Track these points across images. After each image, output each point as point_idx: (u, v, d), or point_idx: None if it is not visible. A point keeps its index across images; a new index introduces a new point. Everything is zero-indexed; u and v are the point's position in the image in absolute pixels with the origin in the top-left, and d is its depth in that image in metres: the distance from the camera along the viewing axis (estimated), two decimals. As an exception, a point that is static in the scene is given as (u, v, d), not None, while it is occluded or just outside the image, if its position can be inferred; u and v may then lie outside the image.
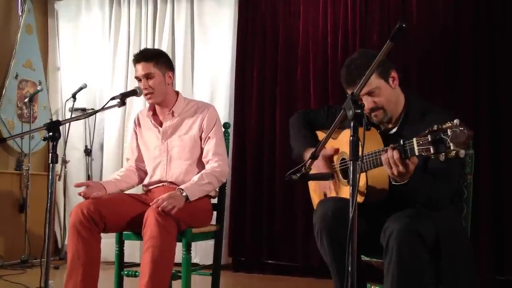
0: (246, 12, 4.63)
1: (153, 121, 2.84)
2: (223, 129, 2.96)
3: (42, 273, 2.22)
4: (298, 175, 2.13)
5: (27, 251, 4.55)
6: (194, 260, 4.43)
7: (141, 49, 2.90)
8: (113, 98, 2.57)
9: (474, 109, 3.79)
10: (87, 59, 5.17)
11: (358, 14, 4.19)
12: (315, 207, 2.20)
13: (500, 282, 3.68)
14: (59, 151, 4.21)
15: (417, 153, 1.69)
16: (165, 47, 4.80)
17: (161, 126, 2.82)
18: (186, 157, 2.77)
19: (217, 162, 2.71)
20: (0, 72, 4.78)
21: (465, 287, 1.95)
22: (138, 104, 4.77)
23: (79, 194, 2.61)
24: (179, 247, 2.56)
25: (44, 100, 5.07)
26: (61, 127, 2.27)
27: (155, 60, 2.74)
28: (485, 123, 3.75)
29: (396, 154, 1.77)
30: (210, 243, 3.33)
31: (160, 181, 2.80)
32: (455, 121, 1.57)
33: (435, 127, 1.60)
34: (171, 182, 2.77)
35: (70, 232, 2.49)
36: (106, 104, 2.55)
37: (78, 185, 2.67)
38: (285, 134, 3.99)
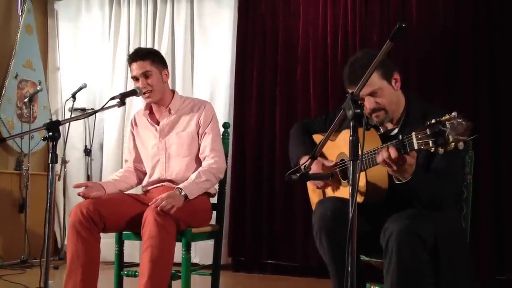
0: (246, 12, 4.63)
1: (150, 120, 2.84)
2: (223, 129, 2.96)
3: (41, 273, 2.22)
4: (298, 175, 2.14)
5: (27, 251, 4.55)
6: (194, 260, 4.43)
7: (135, 48, 2.89)
8: (112, 98, 2.57)
9: (475, 110, 3.79)
10: (87, 59, 5.17)
11: (358, 14, 4.19)
12: (314, 207, 2.19)
13: (501, 281, 3.68)
14: (59, 151, 4.20)
15: (416, 147, 1.68)
16: (165, 48, 4.81)
17: (158, 125, 2.82)
18: (185, 154, 2.77)
19: (214, 158, 2.71)
20: (0, 72, 4.78)
21: (464, 287, 1.95)
22: (137, 104, 4.77)
23: (79, 195, 2.61)
24: (178, 247, 2.56)
25: (44, 100, 5.07)
26: (60, 127, 2.27)
27: (151, 58, 2.74)
28: (485, 123, 3.75)
29: (392, 151, 1.77)
30: (210, 243, 3.33)
31: (159, 180, 2.80)
32: (453, 113, 1.57)
33: (434, 121, 1.60)
34: (170, 180, 2.76)
35: (69, 232, 2.49)
36: (105, 104, 2.55)
37: (77, 186, 2.67)
38: (285, 135, 3.99)
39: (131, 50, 4.97)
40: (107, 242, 2.98)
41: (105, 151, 4.98)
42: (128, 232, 2.70)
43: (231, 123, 4.32)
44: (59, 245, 5.01)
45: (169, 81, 2.92)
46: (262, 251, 4.36)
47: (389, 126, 2.19)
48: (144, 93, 2.71)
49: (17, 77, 4.85)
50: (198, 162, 2.77)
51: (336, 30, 4.27)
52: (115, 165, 4.85)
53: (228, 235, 4.40)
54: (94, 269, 2.49)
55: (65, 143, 4.84)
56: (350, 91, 1.99)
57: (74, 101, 4.73)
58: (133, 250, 4.48)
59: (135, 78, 2.74)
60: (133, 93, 2.69)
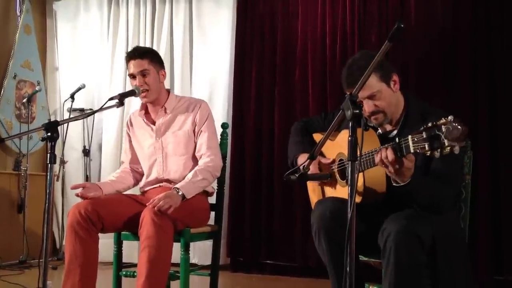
0: (244, 12, 4.63)
1: (145, 120, 2.84)
2: (222, 130, 2.96)
3: (40, 274, 2.23)
4: (297, 175, 2.14)
5: (25, 252, 4.55)
6: (193, 260, 4.43)
7: (134, 47, 2.90)
8: (111, 99, 2.56)
9: (473, 110, 3.79)
10: (85, 60, 5.17)
11: (357, 15, 4.19)
12: (313, 207, 2.20)
13: (499, 282, 3.69)
14: (58, 151, 4.17)
15: (412, 151, 1.69)
16: (163, 48, 4.80)
17: (154, 124, 2.82)
18: (182, 152, 2.77)
19: (210, 156, 2.71)
20: (-2, 73, 4.79)
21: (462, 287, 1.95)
22: (136, 105, 4.75)
23: (77, 195, 2.61)
24: (177, 247, 2.56)
25: (43, 101, 5.06)
26: (59, 128, 2.26)
27: (149, 57, 2.75)
28: (483, 123, 3.75)
29: (390, 153, 1.77)
30: (209, 243, 3.33)
31: (157, 180, 2.80)
32: (449, 117, 1.58)
33: (430, 124, 1.61)
34: (168, 180, 2.76)
35: (67, 232, 2.49)
36: (104, 104, 2.54)
37: (75, 187, 2.66)
38: (284, 135, 4.00)
39: (125, 53, 4.97)
40: (105, 243, 2.98)
41: (104, 152, 4.98)
42: (127, 233, 2.70)
43: (230, 123, 4.32)
44: (58, 246, 5.01)
45: (168, 81, 2.93)
46: (261, 251, 4.36)
47: (388, 127, 2.19)
48: (141, 92, 2.71)
49: (15, 77, 4.84)
50: (195, 160, 2.77)
51: (335, 31, 4.27)
52: (114, 166, 4.84)
53: (227, 235, 4.40)
54: (92, 269, 2.49)
55: (63, 143, 4.84)
56: (348, 93, 1.99)
57: (72, 101, 4.73)
58: (131, 251, 4.47)
59: (132, 76, 2.74)
60: (131, 93, 2.69)
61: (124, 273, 2.74)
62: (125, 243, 2.81)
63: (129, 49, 4.90)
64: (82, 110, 4.88)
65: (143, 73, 2.71)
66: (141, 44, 4.92)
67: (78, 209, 2.48)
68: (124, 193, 2.86)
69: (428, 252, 1.89)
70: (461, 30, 3.91)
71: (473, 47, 3.86)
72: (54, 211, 5.06)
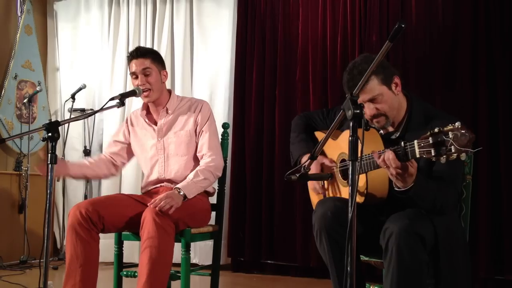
0: (245, 13, 4.63)
1: (147, 120, 2.84)
2: (222, 130, 2.96)
3: (41, 274, 2.23)
4: (297, 175, 2.14)
5: (26, 252, 4.55)
6: (193, 260, 4.43)
7: (136, 46, 2.90)
8: (112, 99, 2.57)
9: (473, 110, 3.79)
10: (86, 60, 5.17)
11: (357, 15, 4.19)
12: (314, 207, 2.20)
13: (500, 282, 3.69)
14: (58, 151, 4.20)
15: (418, 155, 1.68)
16: (164, 48, 4.80)
17: (155, 125, 2.82)
18: (183, 152, 2.77)
19: (211, 157, 2.71)
20: (-1, 73, 4.79)
21: (464, 287, 1.95)
22: (137, 105, 4.76)
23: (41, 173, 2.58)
24: (178, 247, 2.56)
25: (43, 101, 5.06)
26: (60, 128, 2.27)
27: (152, 57, 2.75)
28: (484, 123, 3.75)
29: (393, 155, 1.76)
30: (209, 243, 3.34)
31: (158, 180, 2.80)
32: (456, 123, 1.57)
33: (436, 130, 1.60)
34: (169, 180, 2.77)
35: (68, 232, 2.49)
36: (105, 104, 2.55)
37: (40, 168, 2.63)
38: (285, 135, 4.00)
39: (128, 52, 4.99)
40: (106, 243, 2.98)
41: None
42: (128, 233, 2.70)
43: (231, 123, 4.32)
44: (59, 246, 5.01)
45: (169, 81, 2.94)
46: (262, 251, 4.36)
47: (390, 129, 2.18)
48: (143, 91, 2.71)
49: (16, 77, 4.85)
50: (196, 160, 2.78)
51: (336, 30, 4.27)
52: (115, 166, 4.85)
53: (228, 235, 4.40)
54: (93, 269, 2.49)
55: (64, 143, 4.85)
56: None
57: (73, 101, 4.74)
58: (132, 251, 4.49)
59: (134, 75, 2.74)
60: (132, 93, 2.69)
61: (125, 273, 2.74)
62: (126, 243, 2.81)
63: (130, 50, 4.92)
64: (83, 110, 4.88)
65: (145, 72, 2.71)
66: (142, 44, 4.92)
67: (79, 209, 2.48)
68: (125, 193, 2.85)
69: (429, 251, 1.89)
70: (462, 30, 3.90)
71: (474, 47, 3.85)
72: (55, 211, 5.07)
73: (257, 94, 4.50)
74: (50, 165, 2.13)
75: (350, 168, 1.57)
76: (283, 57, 4.46)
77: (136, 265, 2.54)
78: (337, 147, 2.29)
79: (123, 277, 2.74)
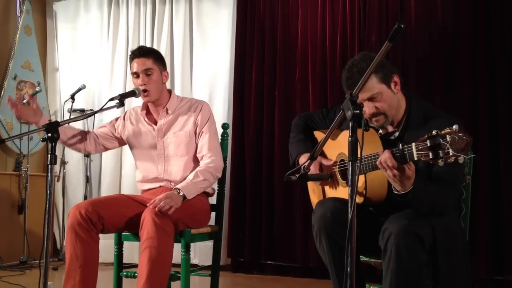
0: (244, 13, 4.62)
1: (147, 120, 2.84)
2: (222, 130, 2.96)
3: (41, 274, 2.23)
4: (297, 176, 2.14)
5: (26, 252, 4.55)
6: (193, 261, 4.43)
7: (138, 46, 2.90)
8: (111, 99, 2.57)
9: (473, 110, 3.79)
10: (85, 60, 5.17)
11: (357, 15, 4.19)
12: (314, 208, 2.19)
13: (499, 282, 3.69)
14: (58, 152, 4.20)
15: (415, 158, 1.68)
16: (163, 48, 4.80)
17: (155, 125, 2.82)
18: (182, 153, 2.77)
19: (211, 157, 2.71)
20: (-2, 73, 4.79)
21: (463, 287, 1.95)
22: (136, 105, 4.76)
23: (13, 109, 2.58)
24: (178, 247, 2.56)
25: (43, 101, 5.06)
26: (59, 128, 2.27)
27: (153, 57, 2.75)
28: (484, 123, 3.75)
29: (390, 157, 1.76)
30: (209, 243, 3.34)
31: (157, 180, 2.80)
32: (454, 126, 1.57)
33: (434, 133, 1.60)
34: (168, 180, 2.77)
35: (68, 233, 2.48)
36: (104, 105, 2.55)
37: (10, 101, 2.62)
38: (284, 135, 3.99)
39: (130, 51, 5.00)
40: (106, 243, 2.98)
41: (104, 152, 4.97)
42: (127, 233, 2.70)
43: (230, 123, 4.32)
44: (58, 246, 5.01)
45: (168, 81, 2.92)
46: (262, 252, 4.36)
47: (390, 128, 2.18)
48: (143, 91, 2.70)
49: (16, 78, 4.85)
50: (196, 161, 2.77)
51: (335, 30, 4.27)
52: (115, 166, 4.85)
53: (228, 235, 4.40)
54: (93, 270, 2.49)
55: (64, 144, 4.84)
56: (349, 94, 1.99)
57: (73, 102, 4.74)
58: (132, 251, 4.49)
59: (136, 75, 2.73)
60: (132, 94, 2.69)
61: (124, 273, 2.74)
62: (126, 244, 2.81)
63: (130, 50, 4.92)
64: (82, 110, 4.88)
65: (147, 72, 2.71)
66: (141, 44, 4.92)
67: (79, 209, 2.48)
68: (124, 193, 2.85)
69: (429, 251, 1.89)
70: (461, 30, 3.90)
71: (473, 47, 3.85)
72: (55, 211, 5.07)
73: (257, 94, 4.50)
74: (49, 165, 2.13)
75: (350, 168, 1.57)
76: (283, 57, 4.46)
77: (136, 266, 2.53)
78: (336, 147, 2.29)
79: (123, 278, 2.74)
